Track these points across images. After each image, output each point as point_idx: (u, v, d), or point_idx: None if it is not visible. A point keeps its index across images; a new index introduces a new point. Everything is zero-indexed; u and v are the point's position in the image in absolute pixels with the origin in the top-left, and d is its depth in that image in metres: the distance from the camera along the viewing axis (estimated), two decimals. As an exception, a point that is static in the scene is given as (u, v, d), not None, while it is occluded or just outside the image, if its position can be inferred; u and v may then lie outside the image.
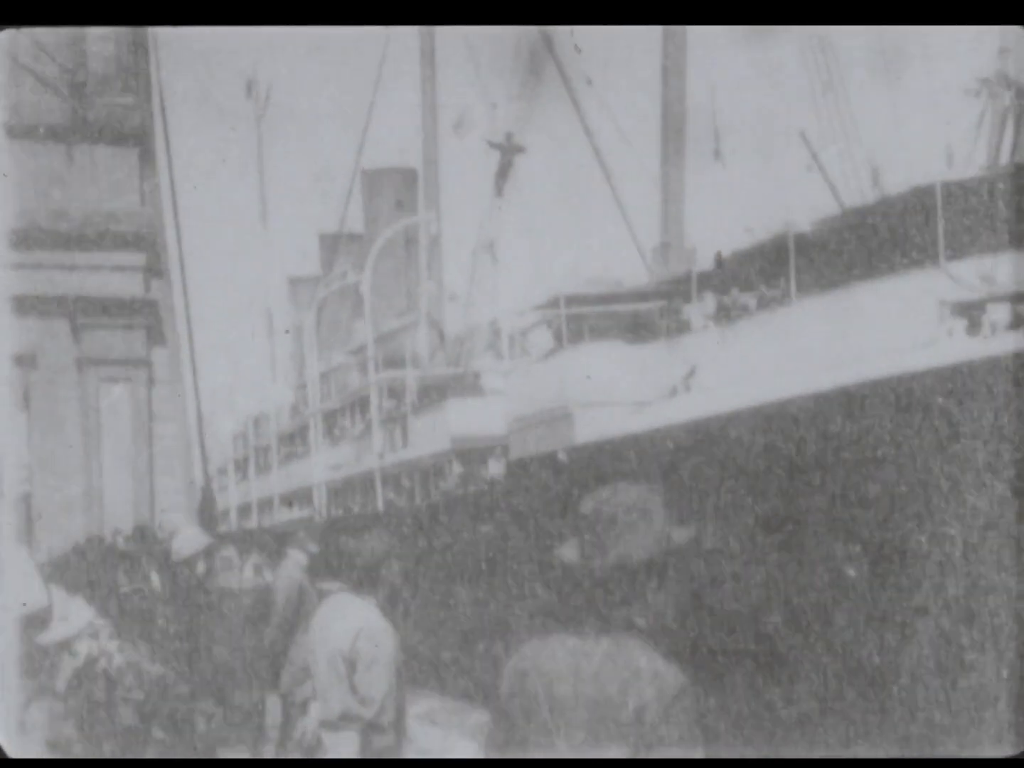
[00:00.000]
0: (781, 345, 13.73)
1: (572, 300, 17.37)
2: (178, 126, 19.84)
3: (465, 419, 21.53)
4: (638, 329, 17.21)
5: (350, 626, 6.21)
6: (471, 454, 21.31)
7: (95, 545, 12.90)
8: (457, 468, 21.58)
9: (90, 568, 11.11)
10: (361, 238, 30.81)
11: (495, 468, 19.89)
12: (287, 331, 32.07)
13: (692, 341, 15.73)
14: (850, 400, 11.51)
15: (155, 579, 11.30)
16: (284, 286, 33.86)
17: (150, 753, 6.70)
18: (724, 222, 19.24)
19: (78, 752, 6.50)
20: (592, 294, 17.74)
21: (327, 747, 6.24)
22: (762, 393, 13.02)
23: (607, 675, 3.65)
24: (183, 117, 21.22)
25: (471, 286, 23.26)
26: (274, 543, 11.99)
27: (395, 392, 25.07)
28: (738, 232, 16.38)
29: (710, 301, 15.62)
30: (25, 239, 16.84)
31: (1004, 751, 9.87)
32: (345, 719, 6.17)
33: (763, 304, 14.77)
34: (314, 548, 11.20)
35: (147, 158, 18.28)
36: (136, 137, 17.96)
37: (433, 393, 23.39)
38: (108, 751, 6.57)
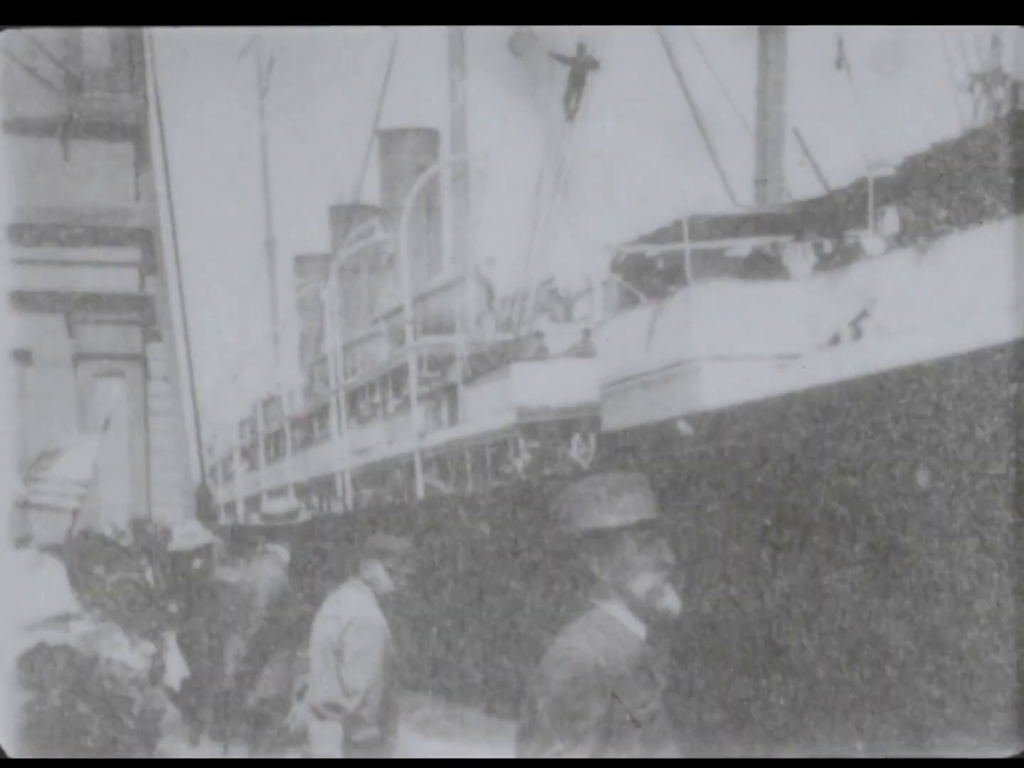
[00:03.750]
0: (1011, 268, 10.46)
1: (698, 224, 13.82)
2: (175, 108, 19.86)
3: (534, 387, 18.10)
4: (762, 264, 13.93)
5: (342, 618, 6.44)
6: (546, 429, 17.85)
7: (90, 538, 12.76)
8: (525, 447, 18.14)
9: (84, 560, 11.01)
10: (376, 210, 28.43)
11: (581, 445, 16.51)
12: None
13: (862, 273, 12.35)
14: None
15: (149, 573, 11.30)
16: (290, 265, 32.48)
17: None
18: (843, 150, 15.93)
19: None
20: (729, 215, 14.26)
21: (312, 735, 6.42)
22: (976, 334, 9.81)
23: None
24: (180, 96, 20.98)
25: (534, 231, 19.87)
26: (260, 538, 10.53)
27: (437, 362, 21.85)
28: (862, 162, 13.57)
29: (892, 218, 12.28)
30: (20, 235, 16.94)
31: (1005, 751, 9.52)
32: (330, 708, 6.35)
33: (977, 215, 11.43)
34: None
35: (142, 153, 18.30)
36: (131, 131, 17.93)
37: (492, 359, 20.04)
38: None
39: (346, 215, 29.01)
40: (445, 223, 27.36)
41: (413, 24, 9.86)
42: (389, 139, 29.00)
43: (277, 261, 31.19)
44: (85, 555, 11.04)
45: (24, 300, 16.92)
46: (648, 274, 14.46)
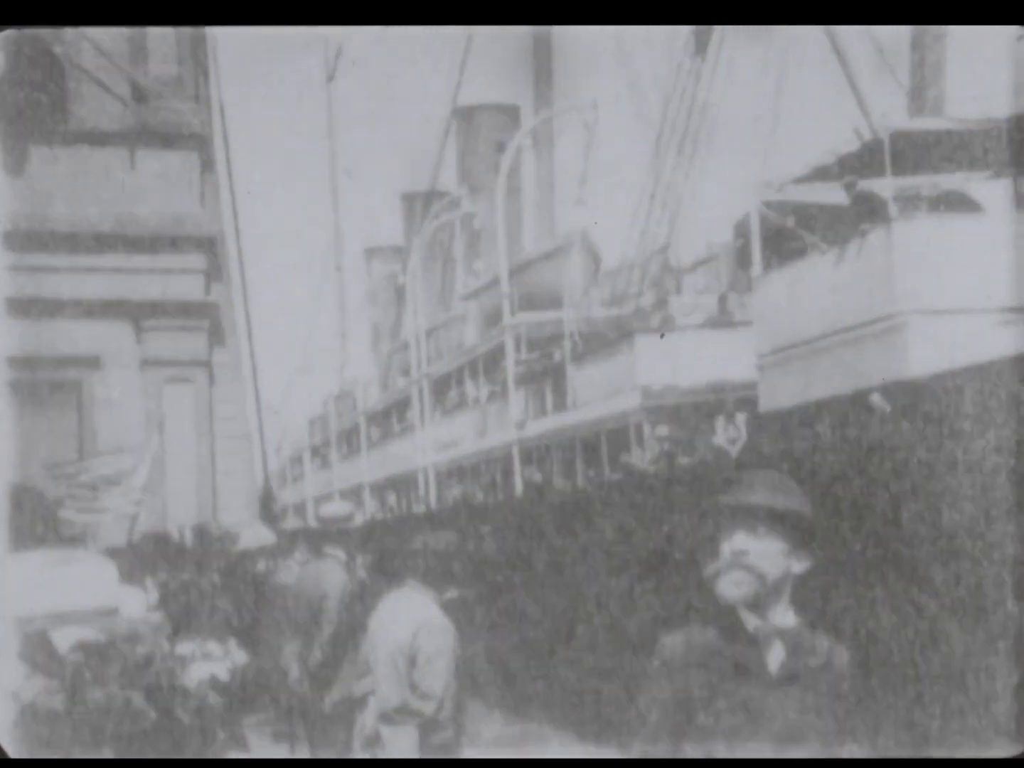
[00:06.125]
0: None
1: (903, 143, 11.23)
2: (239, 107, 20.47)
3: (662, 363, 15.71)
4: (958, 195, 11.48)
5: (410, 622, 6.40)
6: (680, 412, 15.41)
7: (156, 541, 13.15)
8: (652, 434, 15.74)
9: (148, 562, 11.12)
10: (447, 196, 26.76)
11: (729, 429, 14.07)
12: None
13: None
14: None
15: (215, 576, 11.27)
16: (358, 259, 31.25)
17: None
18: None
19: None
20: (942, 130, 11.70)
21: (385, 741, 6.44)
22: None
23: None
24: (244, 94, 21.50)
25: (655, 187, 17.47)
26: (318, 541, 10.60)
27: (536, 341, 19.60)
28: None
29: None
30: (89, 244, 17.45)
31: (1005, 751, 9.29)
32: (402, 713, 6.36)
33: None
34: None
35: (207, 160, 18.70)
36: (197, 139, 18.42)
37: (609, 335, 17.69)
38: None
39: (423, 201, 27.33)
40: (525, 203, 25.68)
41: (487, 24, 9.53)
42: (467, 117, 27.68)
43: (345, 255, 29.82)
44: (149, 557, 11.28)
45: (93, 307, 17.43)
46: (824, 214, 11.99)
